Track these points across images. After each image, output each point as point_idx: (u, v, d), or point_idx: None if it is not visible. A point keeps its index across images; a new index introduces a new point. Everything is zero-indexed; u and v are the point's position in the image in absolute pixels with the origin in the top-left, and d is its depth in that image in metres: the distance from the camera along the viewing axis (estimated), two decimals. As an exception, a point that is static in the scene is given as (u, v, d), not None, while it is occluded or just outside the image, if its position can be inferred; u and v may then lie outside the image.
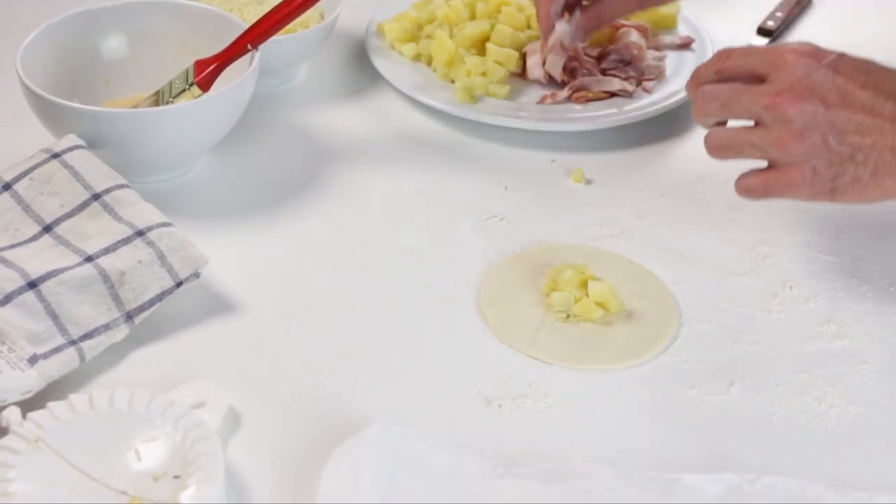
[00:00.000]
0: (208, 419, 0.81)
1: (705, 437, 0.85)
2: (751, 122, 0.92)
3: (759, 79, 0.92)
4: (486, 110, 1.14)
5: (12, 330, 0.85)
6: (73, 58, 1.10)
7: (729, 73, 0.93)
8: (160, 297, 0.91)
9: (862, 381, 0.89)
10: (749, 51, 0.94)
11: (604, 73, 1.18)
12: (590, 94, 1.15)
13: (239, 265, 0.97)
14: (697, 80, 0.96)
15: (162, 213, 0.94)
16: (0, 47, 1.13)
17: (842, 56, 0.91)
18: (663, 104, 1.15)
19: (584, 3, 1.15)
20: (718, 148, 0.94)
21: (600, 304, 0.93)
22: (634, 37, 1.21)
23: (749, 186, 0.93)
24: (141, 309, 0.90)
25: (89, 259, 0.90)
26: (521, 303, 0.94)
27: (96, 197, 0.95)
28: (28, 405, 0.81)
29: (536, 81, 1.17)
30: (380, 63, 1.19)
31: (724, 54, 0.95)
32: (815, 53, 0.91)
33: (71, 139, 0.98)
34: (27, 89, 1.01)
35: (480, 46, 1.19)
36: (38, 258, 0.90)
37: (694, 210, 1.05)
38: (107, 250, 0.91)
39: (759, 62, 0.92)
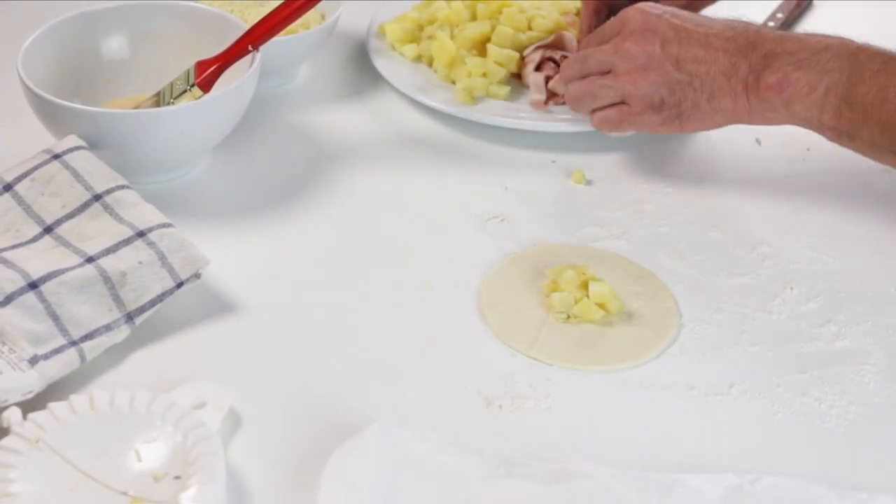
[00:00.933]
0: (209, 420, 0.81)
1: (706, 438, 0.85)
2: None
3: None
4: (487, 111, 1.14)
5: (13, 330, 0.85)
6: (74, 58, 1.10)
7: (592, 45, 1.07)
8: (161, 298, 0.91)
9: (862, 382, 0.89)
10: (599, 29, 1.08)
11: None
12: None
13: (239, 266, 0.97)
14: (566, 76, 1.09)
15: (163, 214, 0.94)
16: (1, 48, 1.13)
17: (679, 9, 1.05)
18: (664, 105, 1.15)
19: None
20: (578, 100, 1.07)
21: (601, 305, 0.93)
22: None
23: (605, 118, 1.06)
24: (142, 310, 0.90)
25: (90, 260, 0.90)
26: (522, 303, 0.95)
27: (97, 198, 0.95)
28: (29, 406, 0.81)
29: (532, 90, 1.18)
30: (381, 64, 1.19)
31: (583, 42, 1.10)
32: (654, 7, 1.04)
33: (72, 140, 0.98)
34: (28, 90, 1.01)
35: (481, 47, 1.19)
36: (39, 259, 0.90)
37: (694, 211, 1.05)
38: (108, 251, 0.91)
39: (610, 28, 1.06)
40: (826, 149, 1.07)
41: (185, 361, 0.89)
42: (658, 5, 1.05)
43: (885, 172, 1.09)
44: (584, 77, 1.06)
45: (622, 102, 1.05)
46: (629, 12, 1.04)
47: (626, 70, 1.03)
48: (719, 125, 1.04)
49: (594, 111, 1.07)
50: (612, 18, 1.08)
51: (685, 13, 1.05)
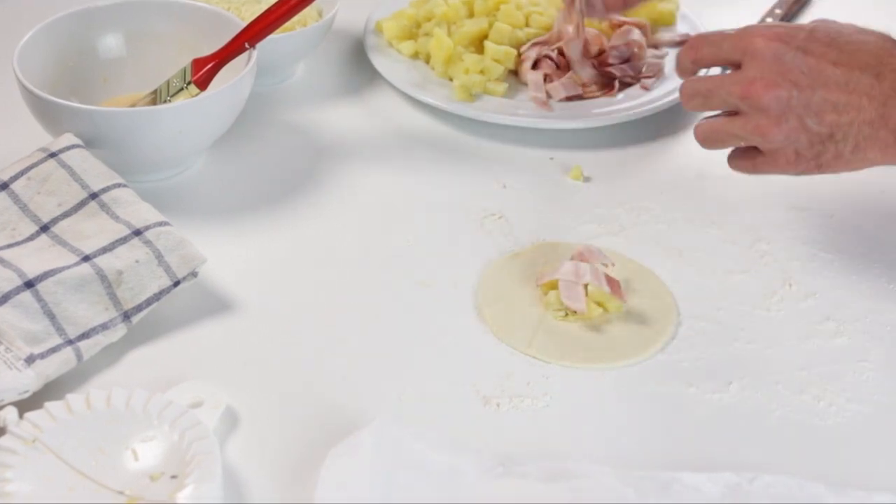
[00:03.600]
0: (205, 419, 0.80)
1: (704, 436, 0.84)
2: None
3: (734, 65, 0.93)
4: (485, 108, 1.14)
5: (9, 330, 0.85)
6: (70, 57, 1.09)
7: (704, 63, 0.96)
8: (158, 297, 0.90)
9: (861, 379, 0.89)
10: (719, 38, 0.95)
11: (603, 70, 1.18)
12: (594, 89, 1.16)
13: (236, 264, 0.97)
14: (680, 69, 0.98)
15: (159, 213, 0.94)
16: (-3, 46, 1.13)
17: (812, 33, 0.91)
18: (662, 102, 1.15)
19: None
20: (706, 140, 0.96)
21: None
22: (636, 35, 1.21)
23: (738, 166, 0.96)
24: (138, 308, 0.90)
25: (87, 258, 0.90)
26: (520, 301, 0.94)
27: (94, 196, 0.95)
28: (25, 405, 0.81)
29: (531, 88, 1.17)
30: (378, 61, 1.19)
31: (698, 42, 0.96)
32: (783, 36, 0.91)
33: (68, 138, 0.98)
34: (24, 88, 1.01)
35: (478, 44, 1.19)
36: (36, 258, 0.90)
37: (693, 208, 1.05)
38: (104, 250, 0.91)
39: (731, 49, 0.93)
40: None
41: (181, 360, 0.89)
42: (786, 32, 0.91)
43: (884, 169, 1.09)
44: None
45: (755, 148, 0.94)
46: (756, 42, 0.91)
47: (757, 121, 0.91)
48: (863, 168, 0.93)
49: (730, 157, 0.97)
50: (731, 32, 0.95)
51: (819, 37, 0.91)
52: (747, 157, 0.95)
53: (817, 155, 0.91)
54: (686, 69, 0.97)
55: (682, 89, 0.97)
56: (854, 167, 0.92)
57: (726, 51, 0.93)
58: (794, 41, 0.90)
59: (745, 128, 0.92)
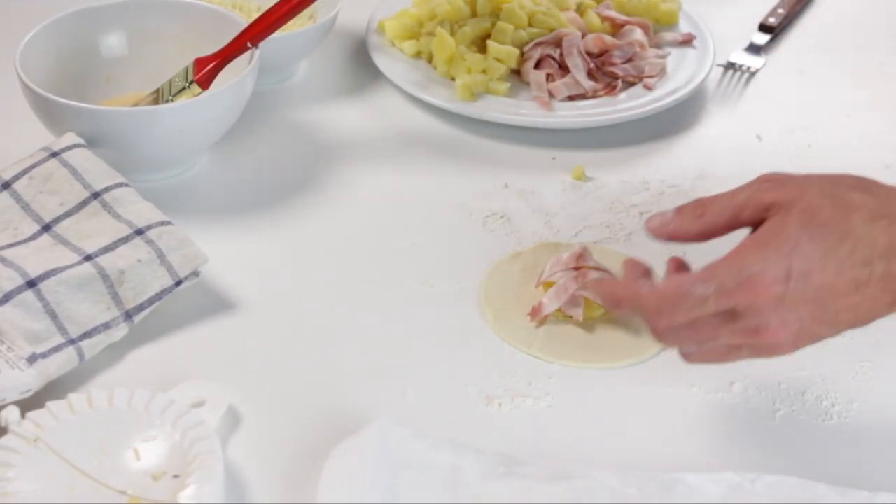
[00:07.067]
0: (208, 418, 0.80)
1: (706, 437, 0.84)
2: None
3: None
4: (487, 108, 1.14)
5: (11, 329, 0.85)
6: (72, 56, 1.09)
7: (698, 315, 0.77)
8: (160, 296, 0.90)
9: (864, 379, 0.89)
10: (709, 291, 0.76)
11: (605, 70, 1.18)
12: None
13: (238, 263, 0.97)
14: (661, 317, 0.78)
15: (161, 212, 0.94)
16: (-1, 45, 1.13)
17: (805, 245, 0.75)
18: (664, 101, 1.15)
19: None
20: (703, 362, 0.80)
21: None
22: (638, 34, 1.20)
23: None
24: (140, 308, 0.90)
25: (88, 258, 0.90)
26: (522, 301, 0.94)
27: (95, 195, 0.95)
28: (27, 404, 0.81)
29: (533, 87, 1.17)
30: (380, 60, 1.19)
31: (682, 294, 0.76)
32: (785, 278, 0.75)
33: (70, 138, 0.98)
34: (26, 88, 1.01)
35: (481, 44, 1.19)
36: (38, 257, 0.90)
37: (695, 207, 1.05)
38: (106, 249, 0.91)
39: (728, 299, 0.76)
40: (827, 145, 1.07)
41: (183, 360, 0.89)
42: (785, 269, 0.75)
43: (885, 168, 1.09)
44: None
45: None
46: (757, 288, 0.75)
47: (770, 349, 0.78)
48: None
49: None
50: (729, 267, 0.76)
51: (814, 245, 0.75)
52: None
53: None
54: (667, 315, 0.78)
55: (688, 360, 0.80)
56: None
57: (723, 303, 0.76)
58: (794, 266, 0.75)
59: (757, 353, 0.79)
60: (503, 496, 0.77)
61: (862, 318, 0.78)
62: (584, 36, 1.19)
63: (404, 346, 0.91)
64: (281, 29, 1.07)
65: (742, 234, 0.79)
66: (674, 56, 1.21)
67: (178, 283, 0.91)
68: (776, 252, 0.76)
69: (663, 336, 0.78)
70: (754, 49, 1.26)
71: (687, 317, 0.77)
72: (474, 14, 1.21)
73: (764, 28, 1.28)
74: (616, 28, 1.22)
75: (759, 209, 0.79)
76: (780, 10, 1.30)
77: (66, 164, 0.96)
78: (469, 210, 1.04)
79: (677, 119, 1.16)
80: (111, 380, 0.87)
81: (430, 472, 0.78)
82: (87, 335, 0.87)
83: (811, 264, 0.75)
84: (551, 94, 1.15)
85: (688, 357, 0.79)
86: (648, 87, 1.17)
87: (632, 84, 1.17)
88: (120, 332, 0.89)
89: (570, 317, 0.92)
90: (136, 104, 1.07)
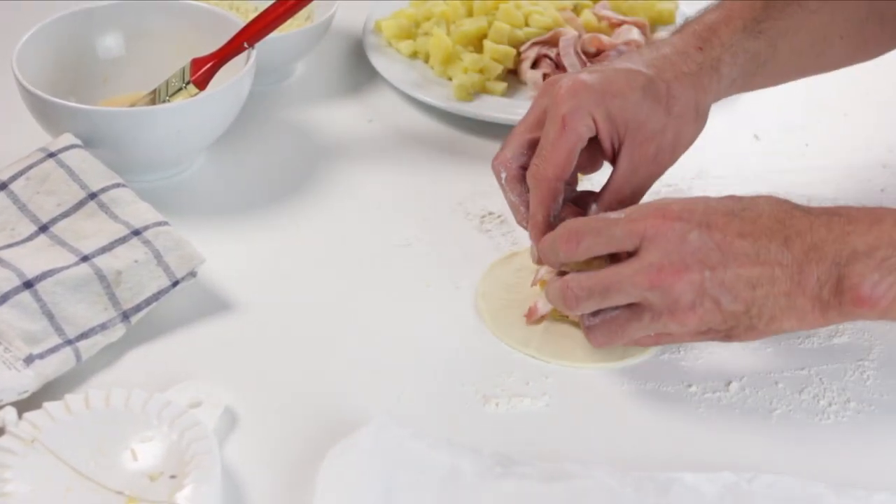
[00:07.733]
0: (205, 419, 0.80)
1: (703, 436, 0.84)
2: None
3: (627, 253, 0.83)
4: (484, 107, 1.14)
5: (9, 330, 0.85)
6: (69, 57, 1.09)
7: (590, 256, 0.84)
8: (156, 297, 0.90)
9: (861, 379, 0.89)
10: (604, 224, 0.84)
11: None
12: None
13: (235, 264, 0.97)
14: (548, 263, 0.88)
15: (158, 212, 0.94)
16: (-4, 46, 1.13)
17: (708, 204, 0.83)
18: (661, 101, 1.14)
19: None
20: (606, 343, 0.86)
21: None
22: (635, 34, 1.20)
23: (639, 342, 0.86)
24: (137, 308, 0.90)
25: (85, 259, 0.90)
26: (519, 301, 0.94)
27: (92, 196, 0.95)
28: (24, 405, 0.81)
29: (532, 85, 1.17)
30: (377, 60, 1.19)
31: (576, 232, 0.84)
32: (682, 213, 0.82)
33: (67, 138, 0.98)
34: (23, 88, 1.01)
35: (478, 43, 1.19)
36: (35, 258, 0.90)
37: (692, 207, 1.05)
38: (103, 250, 0.91)
39: (624, 236, 0.82)
40: (825, 144, 1.07)
41: (180, 360, 0.89)
42: (682, 209, 0.82)
43: (883, 168, 1.09)
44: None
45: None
46: (659, 227, 0.81)
47: (669, 310, 0.81)
48: (772, 335, 0.86)
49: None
50: (620, 215, 0.83)
51: (717, 208, 0.82)
52: (650, 338, 0.85)
53: (729, 329, 0.83)
54: (555, 264, 0.86)
55: (560, 292, 0.84)
56: (764, 336, 0.84)
57: (619, 239, 0.82)
58: (693, 216, 0.81)
59: (656, 320, 0.82)
60: (500, 496, 0.77)
61: (758, 302, 0.81)
62: (580, 35, 1.19)
63: (401, 345, 0.91)
64: (278, 29, 1.07)
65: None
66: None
67: (175, 283, 0.91)
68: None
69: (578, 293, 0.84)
70: (751, 48, 1.26)
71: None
72: (470, 14, 1.21)
73: (761, 27, 1.28)
74: (613, 27, 1.22)
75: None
76: (777, 10, 1.30)
77: (63, 165, 0.96)
78: (466, 210, 1.04)
79: (674, 118, 1.15)
80: (108, 380, 0.87)
81: (428, 472, 0.78)
82: (84, 336, 0.87)
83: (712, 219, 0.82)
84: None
85: (590, 337, 0.86)
86: (645, 87, 1.16)
87: (629, 83, 1.17)
88: (117, 332, 0.89)
89: (567, 316, 0.92)
90: (133, 105, 1.07)
